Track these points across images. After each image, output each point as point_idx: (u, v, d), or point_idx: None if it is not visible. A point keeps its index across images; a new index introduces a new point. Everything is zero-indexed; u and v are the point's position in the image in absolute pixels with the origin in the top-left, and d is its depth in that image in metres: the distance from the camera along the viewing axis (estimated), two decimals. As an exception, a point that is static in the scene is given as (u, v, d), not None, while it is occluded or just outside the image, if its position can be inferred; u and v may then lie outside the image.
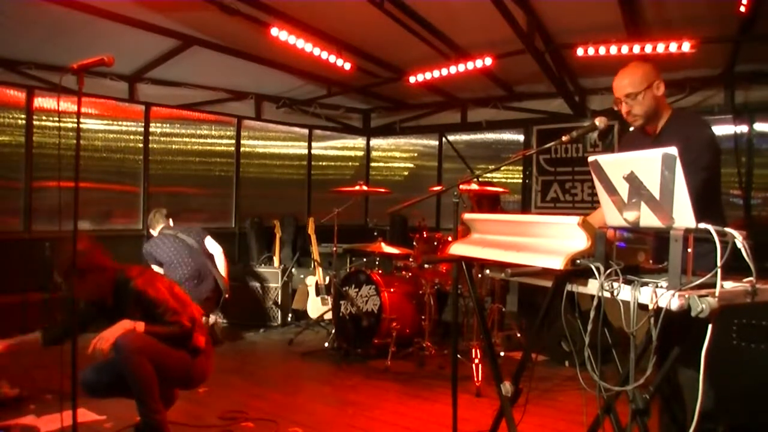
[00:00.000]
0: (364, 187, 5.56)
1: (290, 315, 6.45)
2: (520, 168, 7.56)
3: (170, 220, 5.47)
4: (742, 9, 4.25)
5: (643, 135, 2.71)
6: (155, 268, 5.11)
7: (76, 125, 2.74)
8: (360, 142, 9.05)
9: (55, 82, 5.64)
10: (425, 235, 5.37)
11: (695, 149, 2.34)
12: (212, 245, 5.44)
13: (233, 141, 7.48)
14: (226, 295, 5.39)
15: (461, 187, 3.06)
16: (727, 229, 1.61)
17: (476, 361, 4.27)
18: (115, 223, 6.45)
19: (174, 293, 3.16)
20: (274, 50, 5.60)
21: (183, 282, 5.04)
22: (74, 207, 2.55)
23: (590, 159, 1.95)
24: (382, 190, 6.37)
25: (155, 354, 2.94)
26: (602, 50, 5.08)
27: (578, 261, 1.86)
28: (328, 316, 5.86)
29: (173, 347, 3.04)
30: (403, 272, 5.48)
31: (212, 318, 5.37)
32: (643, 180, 1.75)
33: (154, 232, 5.40)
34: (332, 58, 5.62)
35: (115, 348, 2.85)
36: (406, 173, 8.86)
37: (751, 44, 5.23)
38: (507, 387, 2.40)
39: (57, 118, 5.82)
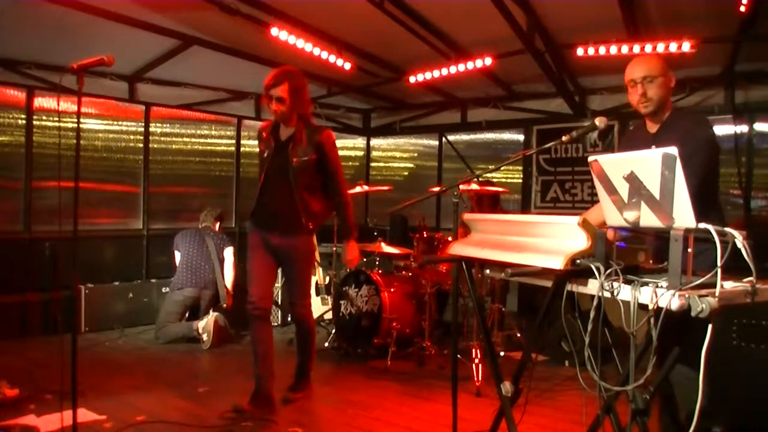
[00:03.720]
0: (365, 187, 5.54)
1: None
2: (520, 168, 7.55)
3: (218, 224, 6.01)
4: (742, 9, 4.24)
5: (643, 133, 2.71)
6: (176, 253, 5.72)
7: (76, 125, 2.74)
8: (360, 142, 9.04)
9: (55, 82, 5.63)
10: (425, 235, 5.36)
11: (693, 147, 2.34)
12: (228, 255, 5.81)
13: (233, 141, 7.47)
14: (224, 305, 5.64)
15: (461, 187, 3.06)
16: (727, 229, 1.61)
17: (476, 361, 4.26)
18: (115, 223, 6.46)
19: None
20: (274, 50, 5.60)
21: (184, 273, 5.57)
22: (74, 207, 2.56)
23: (590, 159, 1.95)
24: (385, 187, 6.37)
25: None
26: (602, 50, 5.07)
27: (578, 261, 1.86)
28: (328, 316, 5.86)
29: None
30: (403, 272, 5.47)
31: (211, 316, 5.39)
32: (643, 180, 1.75)
33: (200, 226, 5.99)
34: (332, 58, 5.61)
35: (300, 319, 3.94)
36: (406, 173, 8.85)
37: (751, 44, 5.22)
38: (507, 387, 2.39)
39: (57, 118, 5.81)
